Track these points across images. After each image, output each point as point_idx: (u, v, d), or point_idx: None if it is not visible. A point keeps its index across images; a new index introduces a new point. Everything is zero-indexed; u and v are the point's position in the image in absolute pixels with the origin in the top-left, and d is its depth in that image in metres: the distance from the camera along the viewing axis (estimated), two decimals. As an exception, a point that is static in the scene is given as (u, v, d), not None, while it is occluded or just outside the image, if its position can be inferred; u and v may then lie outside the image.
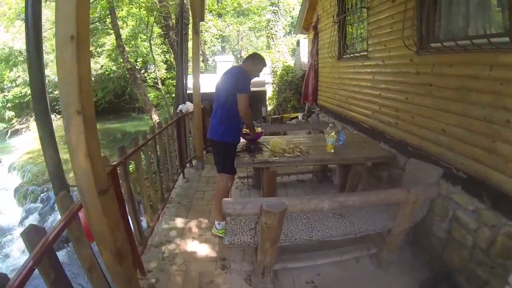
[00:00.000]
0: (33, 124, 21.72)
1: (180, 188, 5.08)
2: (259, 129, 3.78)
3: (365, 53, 4.87)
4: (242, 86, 3.15)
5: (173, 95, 11.63)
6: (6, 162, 15.43)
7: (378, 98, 4.48)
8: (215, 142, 3.35)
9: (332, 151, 3.46)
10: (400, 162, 3.77)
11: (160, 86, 12.94)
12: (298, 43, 12.61)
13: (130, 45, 15.28)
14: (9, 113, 21.21)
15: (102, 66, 16.07)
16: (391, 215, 2.80)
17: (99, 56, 16.19)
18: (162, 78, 17.14)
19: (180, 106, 5.86)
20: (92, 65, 16.38)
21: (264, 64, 3.43)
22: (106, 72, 17.25)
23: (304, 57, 12.14)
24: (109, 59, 15.07)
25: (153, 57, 13.17)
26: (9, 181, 12.86)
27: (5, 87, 20.68)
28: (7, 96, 20.53)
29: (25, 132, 21.26)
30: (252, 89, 3.21)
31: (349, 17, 5.73)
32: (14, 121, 21.65)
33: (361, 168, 3.76)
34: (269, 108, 11.38)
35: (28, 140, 18.95)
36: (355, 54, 5.31)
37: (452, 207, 2.83)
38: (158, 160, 3.99)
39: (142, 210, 4.24)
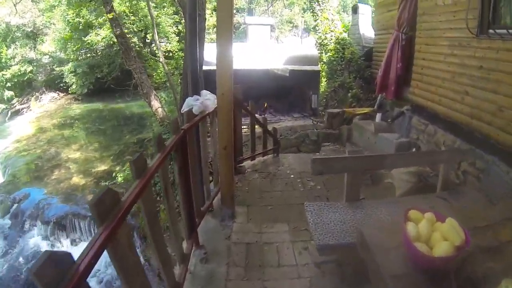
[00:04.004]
0: (33, 104, 20.18)
1: (192, 280, 2.45)
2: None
3: None
4: None
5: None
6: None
7: None
8: None
9: None
10: None
11: (161, 59, 10.01)
12: (355, 9, 9.36)
13: (130, 9, 12.51)
14: (8, 93, 19.50)
15: (103, 38, 13.43)
16: None
17: (100, 27, 13.54)
18: (173, 51, 14.45)
19: (188, 100, 3.02)
20: (94, 37, 14.01)
21: None
22: (110, 44, 14.89)
23: (365, 28, 9.04)
24: (110, 30, 12.28)
25: (151, 15, 10.18)
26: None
27: (3, 66, 18.94)
28: (5, 75, 18.75)
29: (26, 112, 19.58)
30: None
31: None
32: (14, 101, 20.09)
33: None
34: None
35: (24, 123, 17.16)
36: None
37: None
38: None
39: None
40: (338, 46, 8.29)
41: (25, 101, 20.25)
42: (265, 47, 8.20)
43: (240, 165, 4.45)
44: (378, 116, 5.37)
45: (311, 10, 10.23)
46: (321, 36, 8.85)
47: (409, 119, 4.84)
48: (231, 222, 3.23)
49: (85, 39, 14.86)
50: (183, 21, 13.52)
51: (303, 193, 3.93)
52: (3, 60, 18.91)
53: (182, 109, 2.98)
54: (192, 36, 3.22)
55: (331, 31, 8.64)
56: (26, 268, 6.47)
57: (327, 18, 8.93)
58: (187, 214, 2.49)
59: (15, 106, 19.94)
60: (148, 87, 9.79)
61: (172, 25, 14.96)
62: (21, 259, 6.75)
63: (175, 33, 15.19)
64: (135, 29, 12.94)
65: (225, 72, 2.83)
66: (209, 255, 2.75)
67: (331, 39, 8.55)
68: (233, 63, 2.89)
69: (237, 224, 3.22)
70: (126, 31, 12.61)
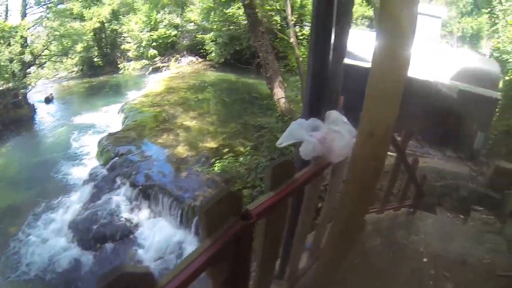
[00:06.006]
0: (172, 65, 22.22)
1: None
2: None
3: None
4: None
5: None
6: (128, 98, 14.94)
7: None
8: None
9: None
10: None
11: (291, 39, 8.50)
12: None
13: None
14: (153, 51, 22.28)
15: (244, 12, 13.36)
16: None
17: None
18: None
19: (294, 127, 1.54)
20: (235, 10, 14.36)
21: None
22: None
23: None
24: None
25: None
26: (112, 124, 11.84)
27: (152, 27, 21.91)
28: (152, 35, 21.58)
29: (164, 70, 21.67)
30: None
31: None
32: (157, 59, 22.65)
33: None
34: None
35: (158, 80, 18.63)
36: None
37: None
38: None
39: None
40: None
41: (166, 61, 22.49)
42: (430, 49, 6.10)
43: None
44: None
45: (488, 10, 7.84)
46: (499, 47, 6.49)
47: None
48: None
49: (227, 11, 15.17)
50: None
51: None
52: (152, 23, 21.58)
53: (278, 142, 1.57)
54: (325, 15, 1.60)
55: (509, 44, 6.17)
56: (99, 223, 6.57)
57: (512, 28, 6.48)
58: None
59: (157, 63, 22.40)
60: (273, 71, 8.55)
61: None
62: (99, 212, 6.83)
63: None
64: (278, 7, 12.12)
65: (387, 92, 1.28)
66: None
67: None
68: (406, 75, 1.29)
69: None
70: (267, 7, 11.92)
